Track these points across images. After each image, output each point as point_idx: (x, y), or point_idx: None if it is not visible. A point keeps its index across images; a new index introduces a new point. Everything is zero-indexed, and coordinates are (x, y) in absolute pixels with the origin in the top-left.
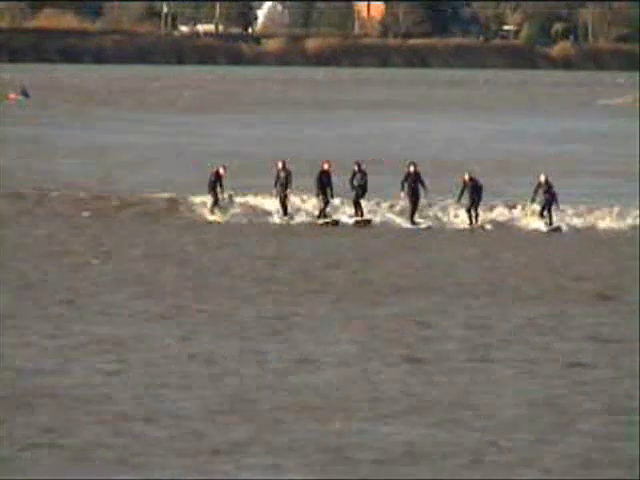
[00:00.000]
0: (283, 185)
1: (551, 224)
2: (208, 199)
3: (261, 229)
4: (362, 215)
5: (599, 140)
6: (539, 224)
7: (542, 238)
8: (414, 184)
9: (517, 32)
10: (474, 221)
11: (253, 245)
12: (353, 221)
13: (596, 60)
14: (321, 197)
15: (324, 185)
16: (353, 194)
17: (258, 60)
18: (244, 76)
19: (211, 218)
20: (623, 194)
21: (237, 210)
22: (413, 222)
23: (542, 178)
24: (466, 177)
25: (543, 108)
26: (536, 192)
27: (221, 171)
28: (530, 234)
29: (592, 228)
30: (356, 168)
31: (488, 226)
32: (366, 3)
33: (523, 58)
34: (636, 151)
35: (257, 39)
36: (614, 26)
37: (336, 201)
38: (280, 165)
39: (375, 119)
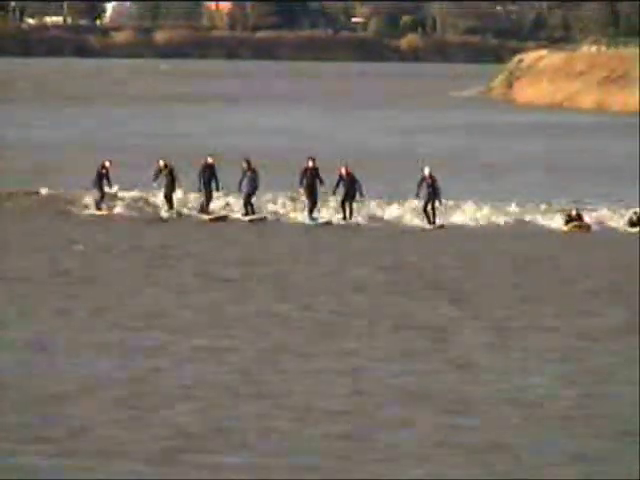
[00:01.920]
0: (167, 183)
1: (434, 222)
2: (94, 193)
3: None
4: (254, 213)
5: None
6: (422, 221)
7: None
8: (312, 179)
9: (365, 24)
10: (348, 216)
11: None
12: (247, 219)
13: (443, 52)
14: (204, 191)
15: (207, 179)
16: (244, 193)
17: (106, 52)
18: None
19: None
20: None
21: (123, 204)
22: (312, 217)
23: (426, 172)
24: (342, 170)
25: (394, 101)
26: (420, 186)
27: (107, 164)
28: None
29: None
30: (245, 166)
31: (360, 219)
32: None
33: (371, 50)
34: (506, 142)
35: (105, 31)
36: (462, 19)
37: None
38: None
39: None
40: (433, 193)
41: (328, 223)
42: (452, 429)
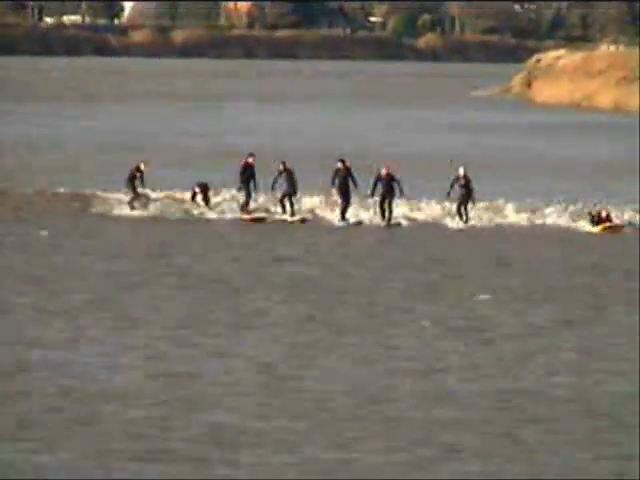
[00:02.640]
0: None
1: (467, 221)
2: (127, 194)
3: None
4: (293, 214)
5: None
6: (457, 221)
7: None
8: (344, 180)
9: (384, 24)
10: (387, 217)
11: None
12: (291, 219)
13: (461, 52)
14: (244, 191)
15: (247, 179)
16: (280, 193)
17: (125, 51)
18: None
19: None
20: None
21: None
22: (344, 218)
23: (461, 172)
24: (383, 171)
25: (415, 100)
26: (452, 187)
27: (142, 166)
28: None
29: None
30: (281, 167)
31: (403, 222)
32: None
33: (389, 50)
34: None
35: (124, 30)
36: (480, 18)
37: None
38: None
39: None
40: (467, 193)
41: (359, 223)
42: None
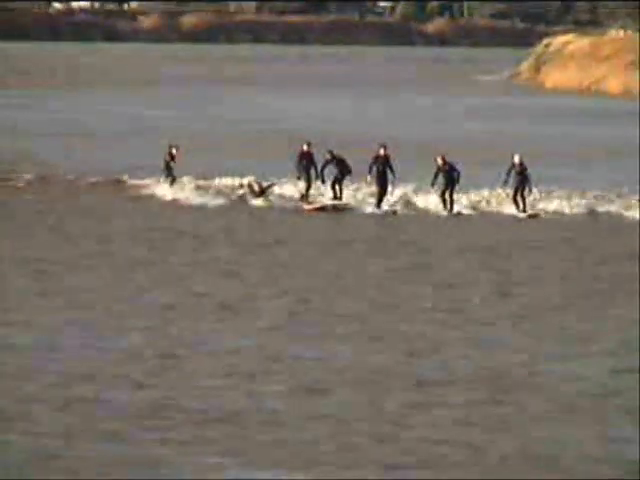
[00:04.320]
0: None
1: (525, 210)
2: (163, 179)
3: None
4: (340, 198)
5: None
6: (513, 209)
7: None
8: (383, 167)
9: (392, 9)
10: (448, 207)
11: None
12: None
13: (471, 37)
14: (304, 179)
15: (306, 167)
16: (330, 181)
17: (134, 37)
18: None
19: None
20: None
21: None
22: (379, 206)
23: (516, 159)
24: (439, 161)
25: (426, 85)
26: (509, 174)
27: (174, 151)
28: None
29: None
30: (329, 156)
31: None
32: None
33: (398, 35)
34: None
35: (133, 16)
36: (490, 3)
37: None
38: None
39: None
40: (522, 181)
41: (394, 213)
42: None
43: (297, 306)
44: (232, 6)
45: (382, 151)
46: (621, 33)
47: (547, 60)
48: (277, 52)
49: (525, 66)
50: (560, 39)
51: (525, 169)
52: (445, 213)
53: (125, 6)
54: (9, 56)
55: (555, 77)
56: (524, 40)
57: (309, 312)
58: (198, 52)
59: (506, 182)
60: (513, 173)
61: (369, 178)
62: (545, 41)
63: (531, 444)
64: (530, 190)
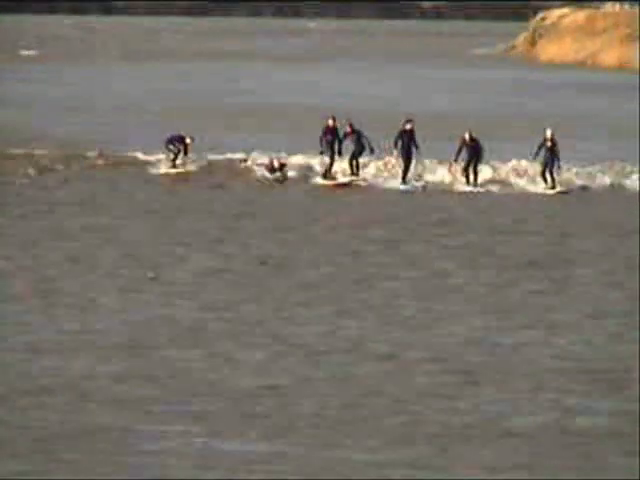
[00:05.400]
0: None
1: (554, 187)
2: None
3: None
4: (358, 174)
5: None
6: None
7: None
8: (409, 142)
9: None
10: (472, 181)
11: None
12: (356, 179)
13: (466, 10)
14: (328, 155)
15: (330, 143)
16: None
17: (130, 11)
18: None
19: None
20: None
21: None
22: (405, 182)
23: (548, 133)
24: (466, 136)
25: (423, 58)
26: (540, 149)
27: (187, 140)
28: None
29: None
30: (348, 129)
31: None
32: None
33: (393, 9)
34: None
35: None
36: None
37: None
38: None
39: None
40: (551, 157)
41: (424, 188)
42: None
43: None
44: None
45: (408, 126)
46: (617, 7)
47: (542, 34)
48: (274, 25)
49: (520, 40)
50: (556, 12)
51: (555, 144)
52: (468, 187)
53: None
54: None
55: (550, 50)
56: (520, 14)
57: None
58: (196, 26)
59: (537, 155)
60: (544, 149)
61: (395, 153)
62: (541, 14)
63: None
64: (559, 167)
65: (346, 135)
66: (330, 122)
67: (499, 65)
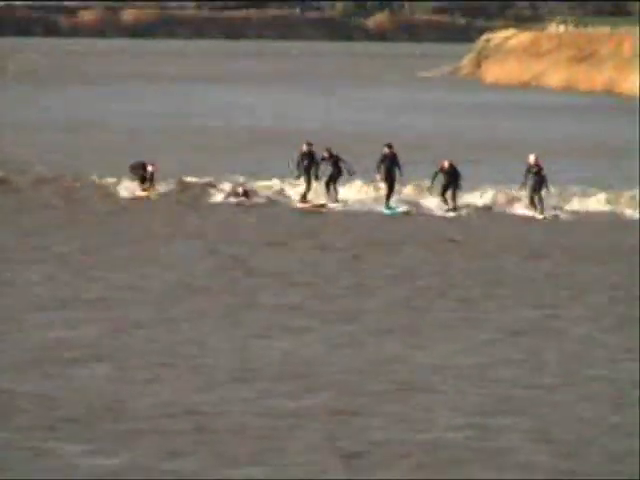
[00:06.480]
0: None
1: (542, 211)
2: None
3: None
4: (337, 200)
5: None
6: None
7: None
8: (390, 166)
9: (333, 3)
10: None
11: None
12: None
13: (412, 32)
14: (304, 179)
15: (306, 167)
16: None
17: (75, 32)
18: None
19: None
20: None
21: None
22: (389, 207)
23: (531, 159)
24: (445, 164)
25: (367, 80)
26: (527, 176)
27: (150, 168)
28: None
29: None
30: (326, 155)
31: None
32: None
33: (339, 30)
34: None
35: (73, 10)
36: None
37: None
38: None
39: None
40: (539, 182)
41: (407, 214)
42: None
43: None
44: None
45: (387, 150)
46: (561, 28)
47: (488, 55)
48: (219, 48)
49: (466, 61)
50: (500, 34)
51: (541, 169)
52: (447, 212)
53: (65, 2)
54: None
55: (495, 72)
56: (465, 35)
57: None
58: (140, 47)
59: (524, 184)
60: (530, 174)
61: (377, 177)
62: (485, 36)
63: None
64: (548, 190)
65: (324, 159)
66: (304, 147)
67: (446, 87)
